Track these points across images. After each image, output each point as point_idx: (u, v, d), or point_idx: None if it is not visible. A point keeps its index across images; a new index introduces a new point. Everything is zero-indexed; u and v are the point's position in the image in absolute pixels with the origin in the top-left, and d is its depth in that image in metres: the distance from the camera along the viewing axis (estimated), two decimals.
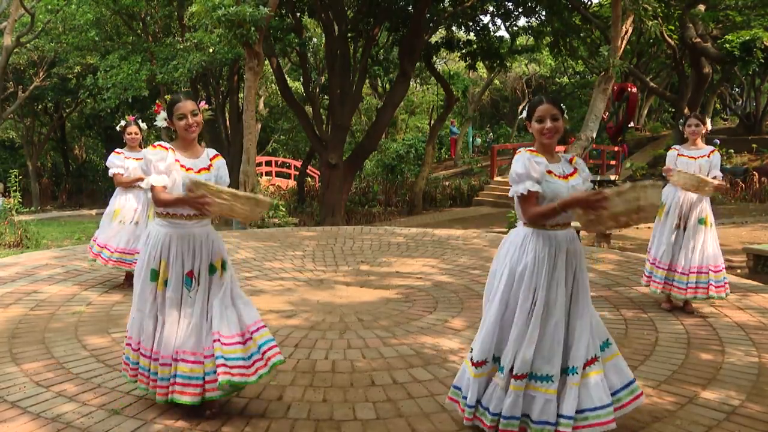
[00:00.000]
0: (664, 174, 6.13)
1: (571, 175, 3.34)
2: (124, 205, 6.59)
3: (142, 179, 6.35)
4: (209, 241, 3.74)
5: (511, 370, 3.24)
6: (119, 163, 6.54)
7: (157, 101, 3.86)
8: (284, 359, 3.87)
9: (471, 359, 3.37)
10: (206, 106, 3.84)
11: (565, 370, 3.29)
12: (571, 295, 3.33)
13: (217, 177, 3.76)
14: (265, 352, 3.71)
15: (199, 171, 3.69)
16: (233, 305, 3.76)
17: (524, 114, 3.40)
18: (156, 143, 3.68)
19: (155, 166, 3.58)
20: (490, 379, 3.33)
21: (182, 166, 3.64)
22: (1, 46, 21.51)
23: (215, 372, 3.59)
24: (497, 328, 3.31)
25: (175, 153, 3.66)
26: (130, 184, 6.55)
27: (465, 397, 3.39)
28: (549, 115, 3.25)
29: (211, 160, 3.81)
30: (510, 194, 3.33)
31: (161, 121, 3.80)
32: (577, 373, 3.26)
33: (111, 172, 6.59)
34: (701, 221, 5.91)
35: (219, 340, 3.63)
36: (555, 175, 3.27)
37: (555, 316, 3.24)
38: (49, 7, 21.65)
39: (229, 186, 3.73)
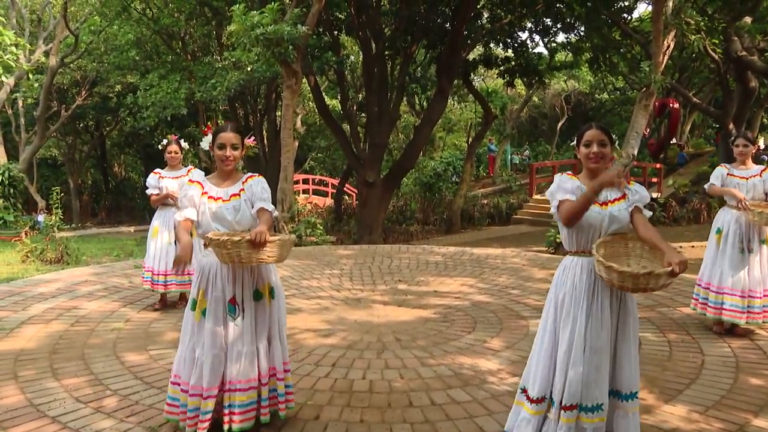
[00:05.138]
0: (705, 188, 5.97)
1: (616, 201, 3.27)
2: (161, 224, 6.67)
3: (170, 196, 6.48)
4: (253, 266, 3.67)
5: (561, 401, 3.19)
6: (154, 183, 6.61)
7: (208, 123, 3.90)
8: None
9: (528, 397, 3.32)
10: (253, 143, 3.90)
11: (615, 393, 3.26)
12: (618, 321, 3.28)
13: (250, 199, 3.71)
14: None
15: (228, 198, 3.68)
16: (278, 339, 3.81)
17: (574, 140, 3.44)
18: (192, 179, 3.78)
19: (181, 201, 3.69)
20: (547, 417, 3.27)
21: (210, 197, 3.66)
22: (46, 67, 22.12)
23: (268, 399, 3.69)
24: (551, 361, 3.29)
25: (206, 185, 3.69)
26: (161, 202, 6.62)
27: None
28: (597, 140, 3.29)
29: (243, 183, 3.76)
30: (551, 211, 3.38)
31: (205, 144, 3.86)
32: (635, 398, 3.26)
33: (148, 192, 6.67)
34: (763, 242, 5.75)
35: (275, 375, 3.73)
36: None
37: (597, 344, 3.17)
38: (92, 28, 22.27)
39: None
